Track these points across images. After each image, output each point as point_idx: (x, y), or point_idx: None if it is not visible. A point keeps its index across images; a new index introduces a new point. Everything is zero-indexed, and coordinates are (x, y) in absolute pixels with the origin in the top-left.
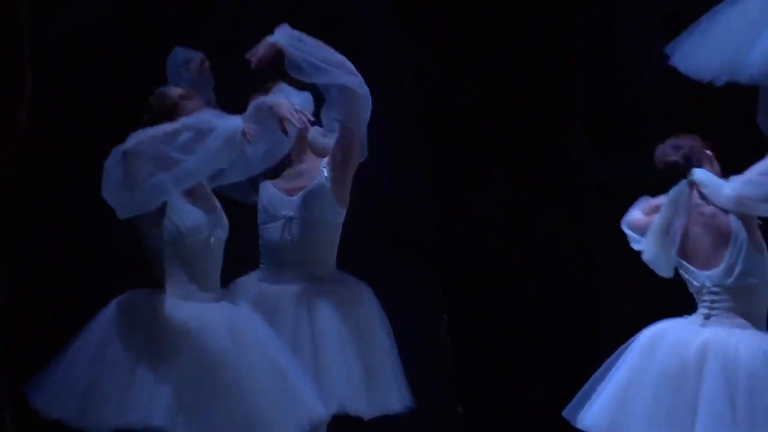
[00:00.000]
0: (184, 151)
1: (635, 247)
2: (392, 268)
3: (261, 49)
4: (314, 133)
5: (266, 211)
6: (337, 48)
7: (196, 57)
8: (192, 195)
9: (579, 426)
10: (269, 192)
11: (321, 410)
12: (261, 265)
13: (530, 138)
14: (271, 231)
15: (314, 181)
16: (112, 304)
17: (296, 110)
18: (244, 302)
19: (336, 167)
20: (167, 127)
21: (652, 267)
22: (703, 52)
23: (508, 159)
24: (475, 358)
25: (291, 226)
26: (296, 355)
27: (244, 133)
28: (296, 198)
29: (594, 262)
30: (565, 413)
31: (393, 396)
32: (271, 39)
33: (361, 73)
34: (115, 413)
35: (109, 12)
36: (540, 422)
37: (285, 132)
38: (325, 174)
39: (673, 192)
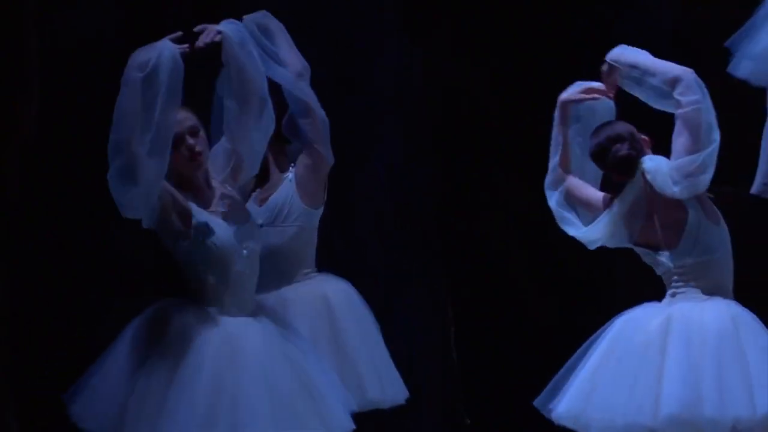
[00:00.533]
0: (149, 106)
1: (569, 229)
2: (392, 269)
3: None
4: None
5: None
6: (345, 50)
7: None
8: (215, 208)
9: (551, 417)
10: (249, 202)
11: (351, 425)
12: None
13: (532, 139)
14: None
15: (279, 187)
16: (146, 314)
17: (216, 31)
18: (281, 315)
19: (301, 170)
20: (121, 98)
21: (583, 242)
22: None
23: (510, 161)
24: (477, 358)
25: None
26: None
27: (182, 54)
28: (263, 206)
29: (598, 264)
30: (536, 403)
31: (375, 390)
32: (219, 28)
33: (366, 74)
34: (151, 430)
35: (111, 14)
36: (540, 423)
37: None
38: (290, 178)
39: (630, 185)
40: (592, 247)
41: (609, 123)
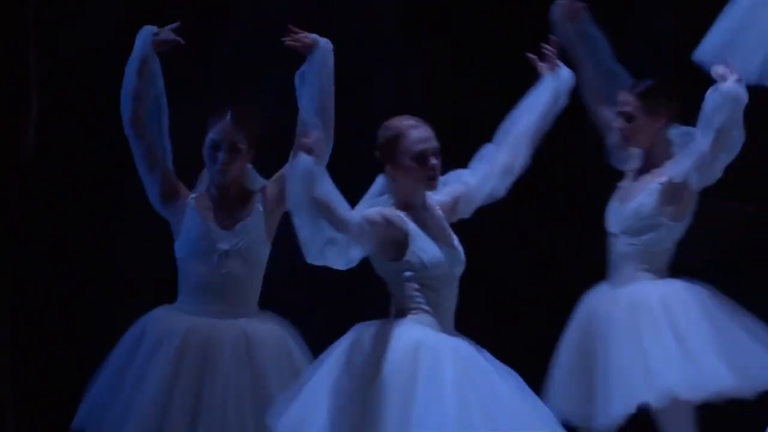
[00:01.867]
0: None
1: None
2: None
3: (303, 39)
4: None
5: None
6: (345, 50)
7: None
8: (429, 229)
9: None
10: (211, 221)
11: None
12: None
13: (542, 160)
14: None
15: (251, 215)
16: (362, 332)
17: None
18: (470, 340)
19: (273, 202)
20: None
21: None
22: (740, 55)
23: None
24: None
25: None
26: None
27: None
28: (231, 230)
29: (596, 265)
30: None
31: None
32: (316, 37)
33: (366, 75)
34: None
35: (111, 15)
36: None
37: None
38: (260, 209)
39: None
40: None
41: None
